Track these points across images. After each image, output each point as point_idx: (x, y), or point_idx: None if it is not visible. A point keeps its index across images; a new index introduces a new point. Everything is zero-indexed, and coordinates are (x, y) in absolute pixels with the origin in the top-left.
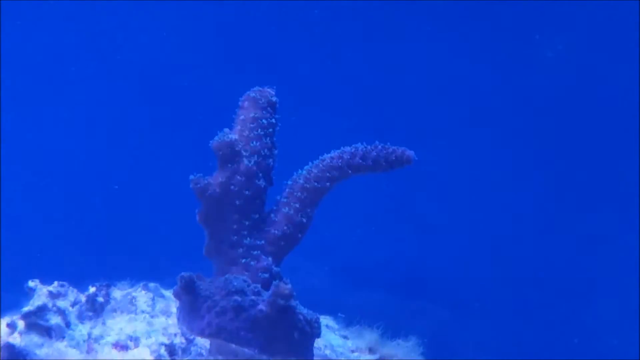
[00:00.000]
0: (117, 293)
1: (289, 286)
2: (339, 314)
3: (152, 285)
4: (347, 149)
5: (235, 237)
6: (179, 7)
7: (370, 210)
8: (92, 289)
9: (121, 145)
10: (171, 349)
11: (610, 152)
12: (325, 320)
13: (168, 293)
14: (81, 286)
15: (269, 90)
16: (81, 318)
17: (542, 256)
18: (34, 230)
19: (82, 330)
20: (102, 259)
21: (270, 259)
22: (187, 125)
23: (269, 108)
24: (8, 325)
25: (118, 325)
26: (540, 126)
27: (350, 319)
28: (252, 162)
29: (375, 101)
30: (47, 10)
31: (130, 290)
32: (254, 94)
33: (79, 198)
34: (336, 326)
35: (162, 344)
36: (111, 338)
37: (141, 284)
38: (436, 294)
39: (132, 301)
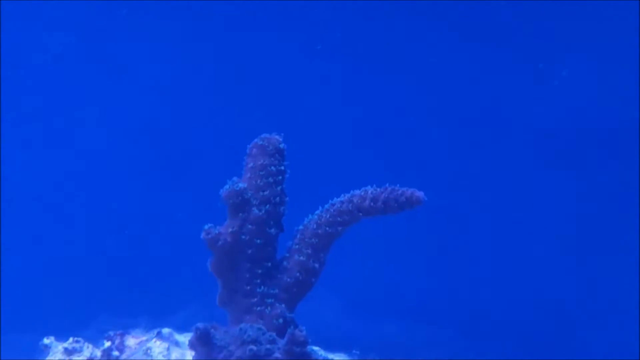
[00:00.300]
0: (131, 341)
1: (304, 333)
2: (354, 351)
3: (166, 332)
4: (357, 192)
5: (249, 286)
6: (186, 54)
7: (382, 241)
8: (107, 344)
9: (133, 186)
10: None
11: (620, 177)
12: (339, 358)
13: (183, 339)
14: (94, 325)
15: (276, 137)
16: None
17: (557, 281)
18: (43, 271)
19: None
20: (114, 293)
21: (284, 305)
22: (198, 170)
23: (277, 155)
24: None
25: None
26: (550, 154)
27: (365, 354)
28: (263, 210)
29: (382, 138)
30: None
31: (144, 338)
32: (261, 142)
33: (88, 238)
34: None
35: None
36: None
37: (155, 332)
38: (451, 323)
39: (148, 352)
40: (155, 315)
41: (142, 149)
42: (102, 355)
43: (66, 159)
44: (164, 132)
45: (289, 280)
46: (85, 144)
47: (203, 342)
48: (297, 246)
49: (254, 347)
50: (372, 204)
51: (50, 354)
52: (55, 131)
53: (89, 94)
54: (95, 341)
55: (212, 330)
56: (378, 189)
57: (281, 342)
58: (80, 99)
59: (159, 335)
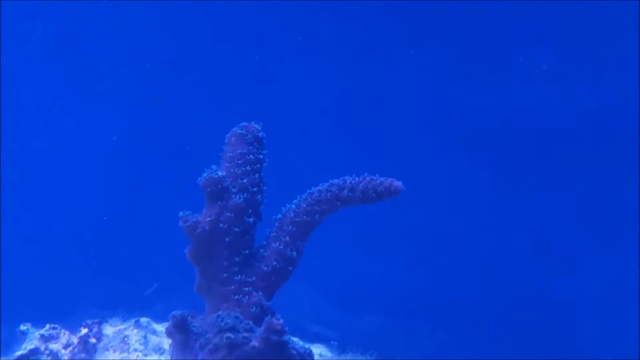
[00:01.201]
0: (108, 330)
1: (281, 321)
2: (332, 342)
3: (144, 320)
4: (336, 181)
5: (226, 274)
6: (164, 43)
7: (360, 234)
8: (83, 330)
9: (112, 176)
10: None
11: (606, 165)
12: (318, 349)
13: (160, 328)
14: (74, 316)
15: (255, 125)
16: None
17: (538, 276)
18: (24, 263)
19: None
20: (94, 285)
21: (261, 294)
22: (176, 159)
23: (255, 143)
24: None
25: None
26: (532, 146)
27: (344, 345)
28: (241, 199)
29: (362, 127)
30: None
31: (121, 327)
32: (240, 130)
33: (68, 229)
34: (329, 354)
35: None
36: None
37: (133, 321)
38: (430, 316)
39: (125, 339)
40: (134, 307)
41: (122, 141)
42: (78, 342)
43: (44, 152)
44: (144, 124)
45: (266, 268)
46: (62, 135)
47: (180, 330)
48: (275, 234)
49: (231, 335)
50: (350, 193)
51: (27, 340)
52: (31, 122)
53: (67, 85)
54: (73, 331)
55: (189, 317)
56: (357, 179)
57: (259, 331)
58: (58, 90)
59: (137, 324)
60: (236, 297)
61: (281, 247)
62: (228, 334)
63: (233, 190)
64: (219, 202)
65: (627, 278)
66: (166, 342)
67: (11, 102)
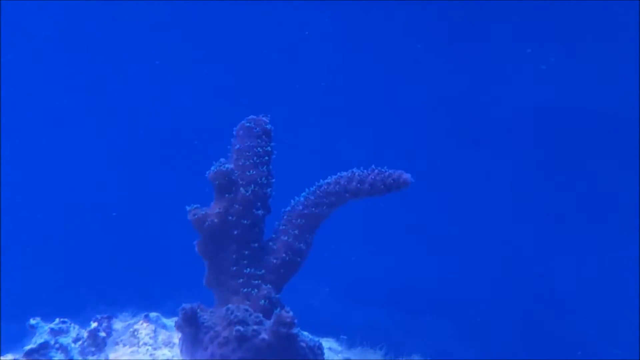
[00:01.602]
0: (118, 324)
1: (291, 314)
2: (342, 336)
3: (153, 315)
4: (344, 174)
5: (235, 267)
6: (174, 42)
7: (369, 228)
8: (93, 324)
9: (120, 172)
10: None
11: (608, 161)
12: (327, 342)
13: (170, 322)
14: (83, 313)
15: (263, 118)
16: (84, 354)
17: (545, 271)
18: (34, 260)
19: None
20: (103, 282)
21: (270, 286)
22: (185, 153)
23: (264, 136)
24: None
25: (121, 359)
26: (538, 138)
27: (353, 339)
28: (249, 191)
29: (371, 121)
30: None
31: (131, 321)
32: (248, 123)
33: (78, 226)
34: (339, 348)
35: None
36: None
37: (142, 315)
38: (438, 310)
39: (134, 333)
40: (143, 305)
41: (130, 140)
42: (88, 336)
43: (52, 151)
44: (150, 121)
45: (275, 261)
46: (68, 133)
47: (190, 323)
48: (284, 227)
49: (241, 328)
50: (359, 185)
51: (37, 334)
52: (33, 121)
53: (68, 84)
54: (83, 326)
55: (199, 310)
56: (365, 171)
57: (268, 323)
58: (59, 89)
59: (146, 319)
60: (245, 290)
61: (290, 240)
62: (238, 327)
63: (241, 182)
64: (227, 195)
65: (628, 277)
66: (176, 337)
67: (11, 102)
